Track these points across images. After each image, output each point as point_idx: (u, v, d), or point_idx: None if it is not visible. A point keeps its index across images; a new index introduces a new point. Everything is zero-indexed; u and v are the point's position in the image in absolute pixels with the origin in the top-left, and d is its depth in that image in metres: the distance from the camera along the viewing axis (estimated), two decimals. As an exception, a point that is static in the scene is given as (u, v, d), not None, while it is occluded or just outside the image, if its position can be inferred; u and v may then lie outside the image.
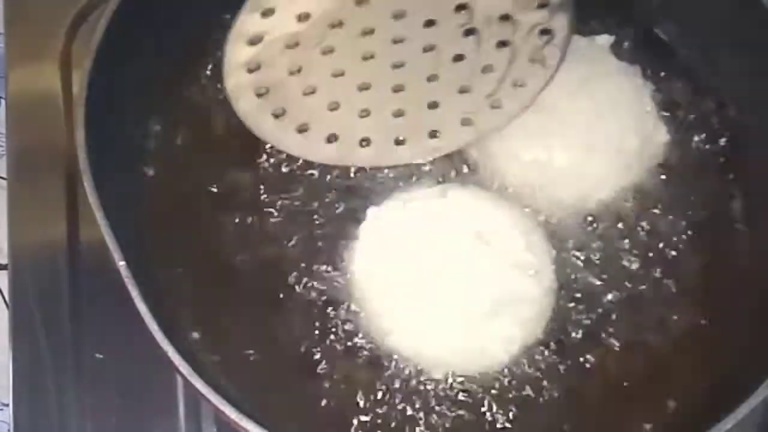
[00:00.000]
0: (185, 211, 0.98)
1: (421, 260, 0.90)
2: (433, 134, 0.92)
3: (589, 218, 0.97)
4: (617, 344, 0.93)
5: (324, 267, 0.95)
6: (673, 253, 0.97)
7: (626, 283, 0.95)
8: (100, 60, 0.88)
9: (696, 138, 1.02)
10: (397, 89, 0.90)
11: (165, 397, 0.98)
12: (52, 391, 0.99)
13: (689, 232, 0.98)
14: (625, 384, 0.92)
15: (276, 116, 0.89)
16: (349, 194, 0.98)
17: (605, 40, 1.03)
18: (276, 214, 0.97)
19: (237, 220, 0.97)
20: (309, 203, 0.97)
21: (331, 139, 0.90)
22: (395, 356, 0.91)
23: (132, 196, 0.95)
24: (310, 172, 0.98)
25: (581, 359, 0.92)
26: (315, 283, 0.94)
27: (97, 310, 1.02)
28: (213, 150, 1.00)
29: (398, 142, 0.92)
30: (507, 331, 0.89)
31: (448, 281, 0.89)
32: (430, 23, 0.88)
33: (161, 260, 0.94)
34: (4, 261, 1.05)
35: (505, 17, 0.89)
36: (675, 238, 0.98)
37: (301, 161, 0.98)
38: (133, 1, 0.91)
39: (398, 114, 0.91)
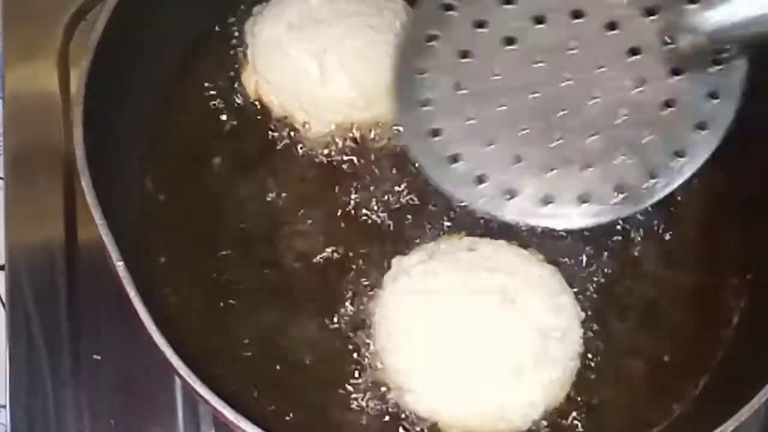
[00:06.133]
0: (186, 212, 0.97)
1: (443, 317, 0.87)
2: (583, 199, 0.90)
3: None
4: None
5: (345, 314, 0.93)
6: (673, 251, 0.97)
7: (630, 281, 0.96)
8: (98, 58, 0.87)
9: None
10: (556, 143, 0.90)
11: (163, 398, 0.98)
12: (50, 392, 0.98)
13: (689, 231, 0.98)
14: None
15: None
16: (376, 240, 0.96)
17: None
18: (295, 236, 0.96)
19: (244, 231, 0.97)
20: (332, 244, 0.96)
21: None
22: (412, 414, 0.89)
23: (130, 195, 0.95)
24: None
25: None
26: (334, 328, 0.92)
27: (94, 311, 1.01)
28: (216, 151, 1.00)
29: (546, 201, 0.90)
30: (528, 397, 0.86)
31: (470, 340, 0.86)
32: (600, 68, 0.88)
33: (160, 260, 0.94)
34: (1, 261, 1.05)
35: (676, 72, 0.87)
36: (673, 237, 0.98)
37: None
38: (131, 0, 0.90)
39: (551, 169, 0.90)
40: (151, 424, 0.98)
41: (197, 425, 0.98)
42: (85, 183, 0.84)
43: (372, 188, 0.98)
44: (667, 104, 0.88)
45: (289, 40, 0.98)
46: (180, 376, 0.80)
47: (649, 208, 0.95)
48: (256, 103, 1.01)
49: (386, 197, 0.98)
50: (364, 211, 0.97)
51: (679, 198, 0.99)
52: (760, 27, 0.80)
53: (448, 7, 0.88)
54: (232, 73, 1.03)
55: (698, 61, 0.86)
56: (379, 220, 0.97)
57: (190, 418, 0.98)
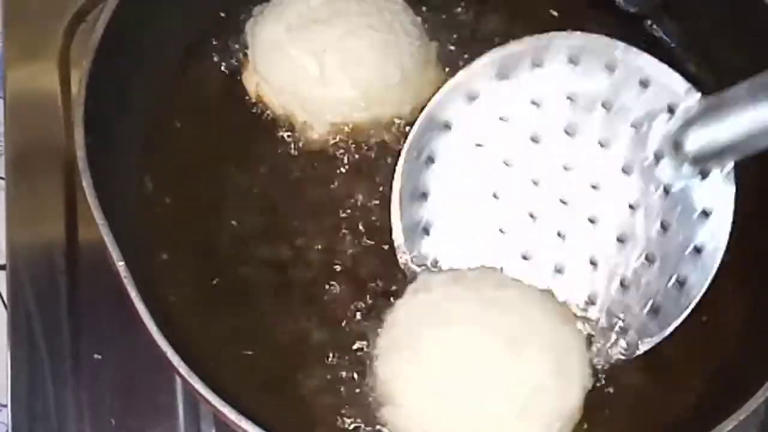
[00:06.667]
0: (186, 212, 0.97)
1: (449, 343, 0.85)
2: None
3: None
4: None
5: (347, 317, 0.93)
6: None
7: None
8: (99, 59, 0.88)
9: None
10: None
11: (164, 397, 0.98)
12: (50, 391, 0.98)
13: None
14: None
15: None
16: (377, 240, 0.95)
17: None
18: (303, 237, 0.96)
19: (245, 231, 0.97)
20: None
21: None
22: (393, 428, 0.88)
23: (131, 195, 0.95)
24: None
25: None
26: (336, 330, 0.92)
27: (95, 311, 1.01)
28: (216, 151, 1.00)
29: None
30: None
31: (464, 374, 0.84)
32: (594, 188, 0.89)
33: (161, 260, 0.94)
34: (3, 261, 1.05)
35: (666, 191, 0.86)
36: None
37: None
38: (132, 0, 0.90)
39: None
40: (152, 424, 0.98)
41: (198, 425, 0.98)
42: (86, 183, 0.84)
43: (373, 188, 0.98)
44: (662, 226, 0.87)
45: (289, 40, 0.98)
46: (180, 376, 0.80)
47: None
48: (257, 103, 1.02)
49: (388, 198, 0.98)
50: (366, 211, 0.97)
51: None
52: (741, 147, 0.82)
53: (447, 125, 0.90)
54: (232, 74, 1.03)
55: (686, 176, 0.86)
56: (379, 222, 0.97)
57: (190, 417, 0.98)
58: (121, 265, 0.82)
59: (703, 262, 0.87)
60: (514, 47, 0.90)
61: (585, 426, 0.89)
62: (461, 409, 0.85)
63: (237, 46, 1.03)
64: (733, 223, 0.93)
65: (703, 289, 0.86)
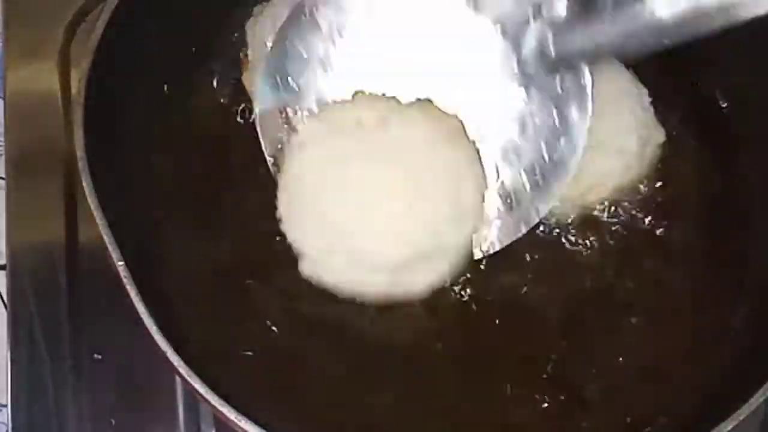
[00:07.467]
0: (187, 212, 0.97)
1: (339, 195, 0.87)
2: None
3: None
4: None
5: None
6: (672, 250, 0.98)
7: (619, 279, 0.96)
8: (98, 60, 0.88)
9: (693, 137, 1.02)
10: None
11: (164, 397, 0.98)
12: (51, 391, 0.99)
13: (687, 231, 0.99)
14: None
15: None
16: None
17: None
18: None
19: (247, 231, 0.97)
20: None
21: None
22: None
23: (131, 195, 0.95)
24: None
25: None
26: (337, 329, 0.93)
27: (95, 311, 1.01)
28: (216, 151, 1.00)
29: None
30: (414, 278, 0.88)
31: (364, 209, 0.87)
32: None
33: (161, 260, 0.94)
34: (3, 261, 1.05)
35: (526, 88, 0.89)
36: (673, 237, 0.98)
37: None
38: (132, 0, 0.91)
39: None
40: (152, 424, 0.98)
41: (197, 425, 0.98)
42: (86, 183, 0.84)
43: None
44: (522, 123, 0.90)
45: (289, 40, 0.99)
46: (181, 376, 0.80)
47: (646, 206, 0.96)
48: (256, 103, 1.02)
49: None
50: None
51: (677, 198, 0.99)
52: (604, 51, 0.85)
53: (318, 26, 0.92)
54: (232, 74, 1.03)
55: (544, 72, 0.88)
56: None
57: (190, 417, 0.98)
58: (121, 265, 0.82)
59: (562, 166, 0.90)
60: None
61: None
62: (370, 247, 0.87)
63: (237, 46, 1.04)
64: (736, 219, 0.93)
65: (565, 179, 0.89)
